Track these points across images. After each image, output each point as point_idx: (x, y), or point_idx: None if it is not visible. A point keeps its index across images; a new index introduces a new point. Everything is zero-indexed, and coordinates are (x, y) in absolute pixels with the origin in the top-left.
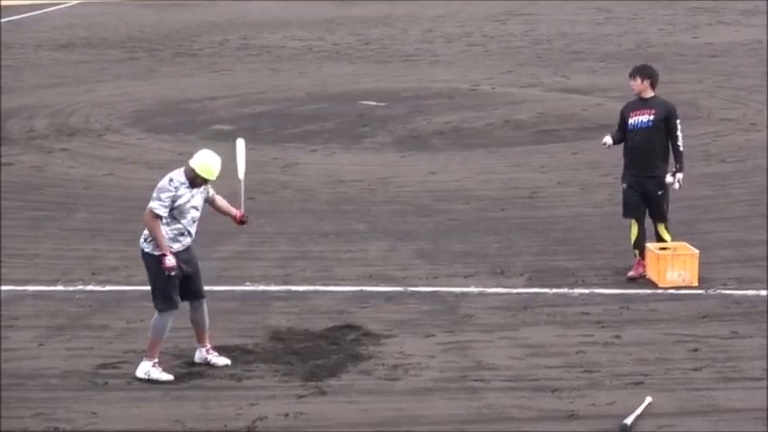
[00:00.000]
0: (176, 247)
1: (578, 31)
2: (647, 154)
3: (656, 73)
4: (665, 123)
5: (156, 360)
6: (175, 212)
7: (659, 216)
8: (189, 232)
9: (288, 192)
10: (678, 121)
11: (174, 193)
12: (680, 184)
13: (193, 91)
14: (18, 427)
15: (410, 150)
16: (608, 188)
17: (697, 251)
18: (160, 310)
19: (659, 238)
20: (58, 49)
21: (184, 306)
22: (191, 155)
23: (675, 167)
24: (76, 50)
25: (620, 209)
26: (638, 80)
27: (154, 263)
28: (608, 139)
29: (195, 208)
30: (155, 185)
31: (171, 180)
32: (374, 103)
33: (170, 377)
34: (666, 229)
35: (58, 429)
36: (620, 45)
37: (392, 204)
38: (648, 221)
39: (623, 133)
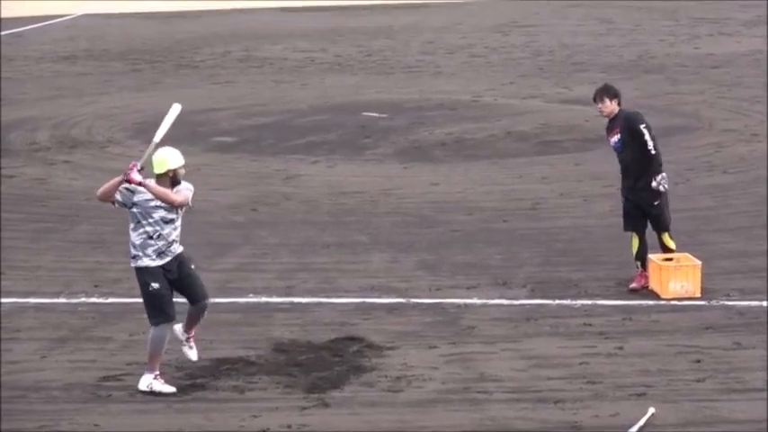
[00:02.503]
0: (161, 261)
1: (580, 42)
2: (630, 170)
3: (617, 90)
4: (631, 136)
5: (158, 372)
6: (138, 212)
7: (659, 226)
8: (162, 235)
9: (290, 203)
10: (642, 126)
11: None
12: (664, 186)
13: (195, 103)
14: None
15: (412, 162)
16: (610, 199)
17: (699, 262)
18: (156, 324)
19: (664, 248)
20: (61, 61)
21: (183, 317)
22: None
23: (651, 171)
24: (79, 62)
25: (622, 220)
26: (606, 101)
27: (143, 278)
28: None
29: (161, 207)
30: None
31: None
32: (376, 115)
33: (172, 389)
34: (670, 237)
35: None
36: (621, 56)
37: (394, 216)
38: (652, 233)
39: None
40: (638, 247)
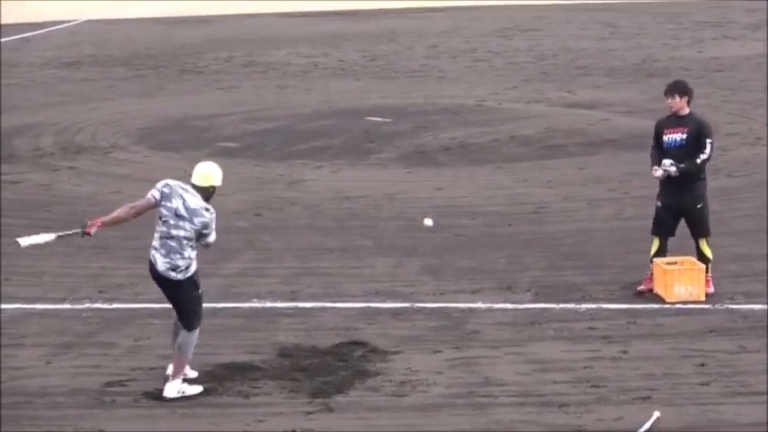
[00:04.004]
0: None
1: (583, 46)
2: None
3: (691, 89)
4: (697, 142)
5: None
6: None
7: (700, 231)
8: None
9: (294, 208)
10: (709, 141)
11: None
12: (665, 171)
13: (199, 108)
14: None
15: (416, 166)
16: (615, 203)
17: (704, 266)
18: (195, 328)
19: (700, 255)
20: (65, 67)
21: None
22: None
23: (681, 166)
24: (83, 68)
25: (626, 224)
26: (677, 98)
27: (194, 283)
28: (659, 172)
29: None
30: None
31: (210, 209)
32: (380, 120)
33: (200, 388)
34: (707, 244)
35: None
36: (625, 60)
37: (398, 220)
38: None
39: (659, 150)
40: (658, 250)
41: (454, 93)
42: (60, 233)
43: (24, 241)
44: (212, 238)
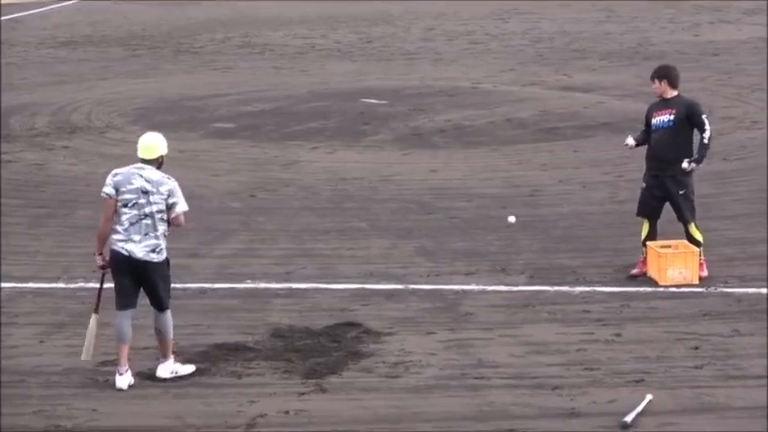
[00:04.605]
0: None
1: (580, 29)
2: (666, 153)
3: (672, 72)
4: (689, 121)
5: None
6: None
7: (683, 217)
8: None
9: (289, 189)
10: (704, 117)
11: None
12: (693, 169)
13: (195, 89)
14: (19, 424)
15: (411, 148)
16: (609, 186)
17: (696, 249)
18: (169, 306)
19: (690, 239)
20: (61, 46)
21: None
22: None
23: (696, 156)
24: (79, 48)
25: (621, 207)
26: (656, 82)
27: (167, 264)
28: (630, 141)
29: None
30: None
31: (170, 177)
32: (376, 101)
33: (193, 367)
34: (696, 228)
35: (59, 426)
36: (621, 44)
37: (393, 202)
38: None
39: (647, 134)
40: (648, 233)
41: (450, 75)
42: (94, 307)
43: (87, 351)
44: (182, 207)
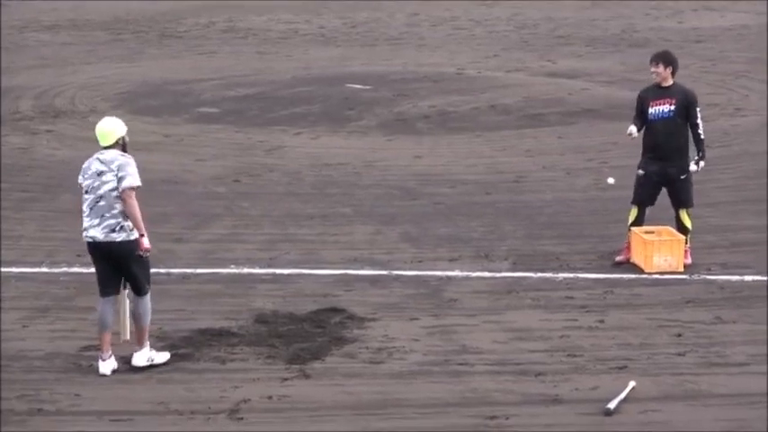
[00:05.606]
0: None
1: (564, 15)
2: (668, 144)
3: (676, 59)
4: (686, 111)
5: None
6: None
7: (683, 201)
8: None
9: (273, 175)
10: (698, 109)
11: None
12: (699, 168)
13: (179, 73)
14: (3, 408)
15: (396, 134)
16: (593, 173)
17: (683, 237)
18: (148, 291)
19: (680, 225)
20: (44, 30)
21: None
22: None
23: (698, 155)
24: (62, 32)
25: (604, 193)
26: (661, 67)
27: (136, 247)
28: (633, 130)
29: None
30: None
31: (125, 154)
32: (360, 87)
33: (168, 355)
34: (689, 214)
35: (42, 410)
36: (606, 30)
37: (377, 188)
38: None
39: (643, 120)
40: (636, 218)
41: (434, 61)
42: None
43: (124, 332)
44: (129, 182)
